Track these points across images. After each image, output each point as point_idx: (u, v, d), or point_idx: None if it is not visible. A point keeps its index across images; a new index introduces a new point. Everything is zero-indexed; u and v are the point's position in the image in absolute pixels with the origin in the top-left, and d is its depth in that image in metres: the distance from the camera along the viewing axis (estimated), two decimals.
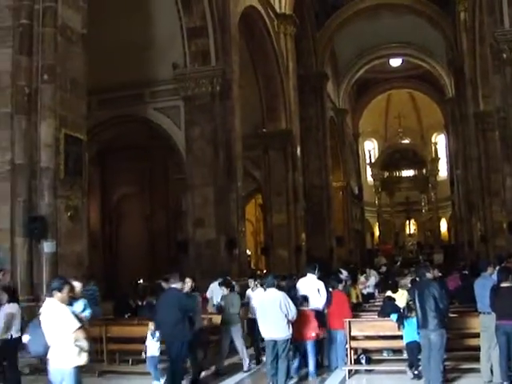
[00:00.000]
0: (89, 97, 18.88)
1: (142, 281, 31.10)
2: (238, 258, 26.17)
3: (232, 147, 26.72)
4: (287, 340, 11.23)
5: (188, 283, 11.61)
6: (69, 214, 16.24)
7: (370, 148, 70.84)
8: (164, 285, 15.76)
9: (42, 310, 7.47)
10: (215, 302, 16.42)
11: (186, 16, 26.75)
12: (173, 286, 11.24)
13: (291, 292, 12.53)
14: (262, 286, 13.91)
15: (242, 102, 28.55)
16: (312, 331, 12.04)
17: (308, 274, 13.96)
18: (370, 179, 68.76)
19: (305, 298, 12.49)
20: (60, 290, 7.47)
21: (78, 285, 10.71)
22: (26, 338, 7.26)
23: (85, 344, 7.34)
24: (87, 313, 10.37)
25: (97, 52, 20.79)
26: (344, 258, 46.17)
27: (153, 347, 11.45)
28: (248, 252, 36.19)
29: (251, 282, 14.33)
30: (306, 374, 12.29)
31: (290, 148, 36.71)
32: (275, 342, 11.25)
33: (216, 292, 16.78)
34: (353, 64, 55.67)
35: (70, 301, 8.16)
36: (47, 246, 15.64)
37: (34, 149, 15.82)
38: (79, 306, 10.05)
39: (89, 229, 18.32)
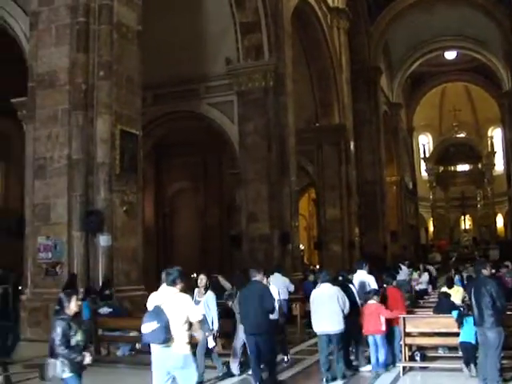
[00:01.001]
0: (144, 93, 19.15)
1: (195, 275, 31.34)
2: (291, 253, 26.13)
3: (285, 142, 26.70)
4: (341, 333, 11.24)
5: (203, 280, 11.20)
6: (124, 208, 16.47)
7: (425, 142, 70.01)
8: (221, 279, 15.92)
9: (160, 298, 7.65)
10: None
11: (239, 11, 26.80)
12: (255, 278, 11.24)
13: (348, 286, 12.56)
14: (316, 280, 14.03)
15: (295, 96, 28.48)
16: (383, 324, 11.94)
17: (358, 271, 14.11)
18: (424, 174, 67.98)
19: (375, 292, 12.39)
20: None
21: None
22: (152, 326, 7.36)
23: (199, 333, 7.83)
24: None
25: (151, 48, 21.05)
26: (398, 254, 45.76)
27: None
28: (301, 247, 36.15)
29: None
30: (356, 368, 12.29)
31: (343, 142, 36.52)
32: (329, 336, 11.27)
33: (270, 286, 16.76)
34: (407, 57, 55.08)
35: None
36: (103, 240, 15.91)
37: (90, 144, 16.11)
38: None
39: (143, 223, 18.51)
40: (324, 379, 11.09)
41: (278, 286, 15.96)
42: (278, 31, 27.21)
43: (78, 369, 7.29)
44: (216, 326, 10.47)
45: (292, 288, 17.58)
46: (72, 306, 7.41)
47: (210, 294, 10.83)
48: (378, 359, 11.73)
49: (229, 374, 11.45)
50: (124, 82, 16.97)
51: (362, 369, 11.98)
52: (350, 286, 12.48)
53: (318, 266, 35.97)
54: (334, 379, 11.17)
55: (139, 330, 12.11)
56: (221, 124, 28.03)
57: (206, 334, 10.40)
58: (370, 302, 12.02)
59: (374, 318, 11.78)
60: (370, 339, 11.84)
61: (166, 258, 38.09)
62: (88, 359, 7.35)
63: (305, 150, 34.20)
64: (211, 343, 10.43)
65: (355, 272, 14.22)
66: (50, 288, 15.51)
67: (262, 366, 10.81)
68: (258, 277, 11.21)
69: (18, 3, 18.61)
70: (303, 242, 42.08)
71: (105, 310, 14.11)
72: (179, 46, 26.76)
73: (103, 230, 15.88)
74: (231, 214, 34.92)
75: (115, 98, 16.51)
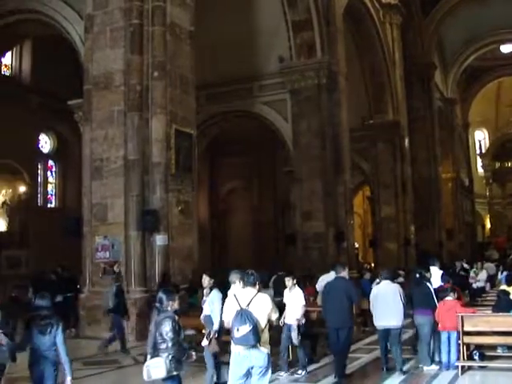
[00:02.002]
0: (197, 92, 19.26)
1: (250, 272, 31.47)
2: (346, 251, 26.01)
3: (339, 140, 26.57)
4: (401, 328, 11.72)
5: (205, 280, 11.07)
6: (180, 207, 16.62)
7: (481, 138, 68.88)
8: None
9: (241, 298, 7.74)
10: None
11: (291, 9, 26.76)
12: (340, 275, 11.63)
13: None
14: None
15: (348, 93, 28.31)
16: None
17: (430, 267, 14.36)
18: (480, 170, 66.87)
19: (452, 290, 12.26)
20: (259, 280, 7.81)
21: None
22: (244, 330, 7.45)
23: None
24: None
25: (204, 48, 21.18)
26: (454, 252, 45.12)
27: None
28: (356, 245, 35.92)
29: (289, 281, 13.01)
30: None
31: (397, 139, 36.14)
32: (388, 331, 11.66)
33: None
34: (461, 52, 54.15)
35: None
36: (159, 239, 16.08)
37: (145, 144, 16.31)
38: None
39: (198, 222, 18.65)
40: (384, 368, 11.67)
41: None
42: (330, 28, 27.10)
43: (180, 368, 7.29)
44: (216, 326, 10.17)
45: None
46: (174, 304, 7.43)
47: (215, 293, 10.65)
48: (448, 357, 11.64)
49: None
50: (178, 82, 17.13)
51: (426, 368, 11.82)
52: (428, 284, 12.37)
53: (373, 264, 35.70)
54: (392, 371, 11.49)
55: (195, 329, 12.36)
56: (274, 122, 28.04)
57: (205, 332, 10.43)
58: (448, 298, 11.88)
59: (451, 315, 11.64)
60: (444, 336, 11.73)
61: (221, 256, 38.32)
62: (194, 357, 7.42)
63: (359, 147, 33.95)
64: (204, 342, 10.31)
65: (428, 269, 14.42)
66: (107, 287, 15.73)
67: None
68: (342, 273, 11.66)
69: (74, 7, 18.91)
70: (358, 240, 41.78)
71: None
72: (232, 45, 26.84)
73: (159, 229, 16.06)
74: (285, 212, 34.91)
75: (169, 98, 16.68)
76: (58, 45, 23.31)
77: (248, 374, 7.50)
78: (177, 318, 7.35)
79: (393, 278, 12.45)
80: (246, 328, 7.31)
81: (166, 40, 16.89)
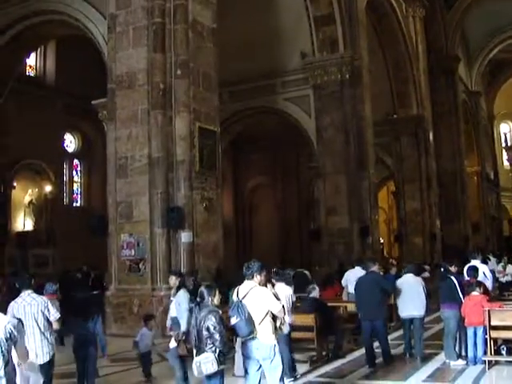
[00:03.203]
0: (220, 90, 19.31)
1: (275, 269, 31.49)
2: (371, 246, 25.94)
3: (363, 134, 26.48)
4: (423, 317, 12.44)
5: (172, 280, 10.66)
6: (204, 205, 16.69)
7: (506, 131, 68.15)
8: (306, 272, 15.92)
9: (240, 291, 7.79)
10: (350, 290, 16.35)
11: (313, 4, 26.71)
12: (371, 269, 12.31)
13: (459, 278, 12.56)
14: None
15: (371, 88, 28.19)
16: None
17: (472, 260, 14.84)
18: (506, 163, 66.20)
19: (479, 284, 12.22)
20: (261, 273, 7.81)
21: None
22: (234, 320, 7.50)
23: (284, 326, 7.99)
24: None
25: (226, 45, 21.18)
26: (480, 246, 44.77)
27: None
28: (381, 240, 35.79)
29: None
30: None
31: (421, 133, 35.92)
32: (411, 320, 12.34)
33: (351, 280, 16.64)
34: (485, 44, 53.65)
35: None
36: (184, 236, 16.16)
37: (169, 142, 16.39)
38: None
39: (222, 219, 18.70)
40: (407, 354, 12.49)
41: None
42: (353, 23, 26.99)
43: (225, 361, 7.28)
44: (184, 327, 9.78)
45: None
46: (215, 299, 7.43)
47: (182, 294, 10.28)
48: (475, 352, 11.59)
49: None
50: (201, 79, 17.18)
51: (453, 363, 11.77)
52: (452, 277, 12.35)
53: (398, 260, 35.55)
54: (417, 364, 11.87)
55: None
56: (297, 118, 28.01)
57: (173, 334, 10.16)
58: (474, 293, 11.81)
59: (478, 310, 11.58)
60: (471, 331, 11.68)
61: (246, 252, 38.37)
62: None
63: (383, 142, 33.83)
64: (172, 344, 10.13)
65: (469, 262, 14.75)
66: (133, 284, 15.87)
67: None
68: (373, 268, 12.37)
69: (96, 7, 19.00)
70: (383, 235, 41.65)
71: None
72: (254, 41, 26.86)
73: (184, 226, 16.14)
74: (310, 207, 34.89)
75: (193, 95, 16.74)
76: (82, 45, 23.47)
77: (260, 366, 7.58)
78: (220, 312, 7.34)
79: (416, 272, 12.97)
80: (237, 319, 7.41)
81: (189, 38, 16.95)
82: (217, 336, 7.05)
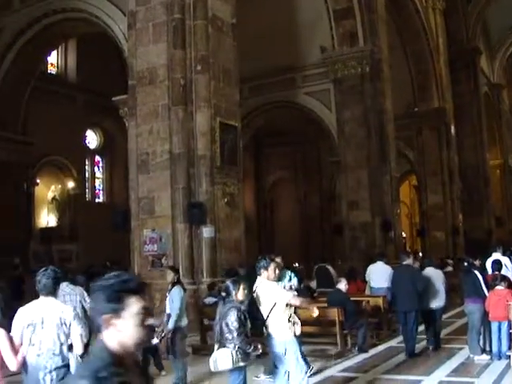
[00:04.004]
0: (240, 84, 19.30)
1: (297, 264, 31.48)
2: (393, 241, 25.85)
3: (384, 128, 26.37)
4: (442, 308, 12.92)
5: (170, 275, 10.51)
6: (226, 200, 16.71)
7: None
8: (329, 267, 15.88)
9: (255, 288, 7.88)
10: (373, 285, 16.33)
11: None
12: (405, 262, 12.69)
13: (482, 272, 12.63)
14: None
15: (392, 81, 28.05)
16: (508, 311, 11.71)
17: (493, 253, 14.94)
18: None
19: (503, 278, 12.13)
20: (267, 268, 7.83)
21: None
22: None
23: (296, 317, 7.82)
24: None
25: (246, 40, 21.18)
26: (504, 239, 44.38)
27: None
28: (403, 234, 35.64)
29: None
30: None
31: (443, 127, 35.70)
32: (432, 311, 12.60)
33: (373, 275, 16.58)
34: (507, 36, 53.14)
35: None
36: (206, 232, 16.19)
37: (190, 138, 16.42)
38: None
39: (244, 214, 18.72)
40: (430, 348, 12.74)
41: (381, 275, 15.91)
42: (372, 16, 26.83)
43: (247, 359, 7.18)
44: (171, 325, 9.76)
45: None
46: (240, 294, 7.39)
47: (176, 290, 10.10)
48: (499, 346, 11.51)
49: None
50: (221, 74, 17.20)
51: (477, 357, 11.71)
52: (476, 272, 12.33)
53: (421, 254, 35.37)
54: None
55: None
56: (318, 113, 27.97)
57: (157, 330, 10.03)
58: (498, 287, 11.71)
59: (502, 304, 11.49)
60: (495, 326, 11.60)
61: (268, 247, 38.33)
62: (260, 350, 7.34)
63: (404, 135, 33.66)
64: (154, 340, 9.88)
65: (490, 256, 14.85)
66: (156, 279, 15.90)
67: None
68: (407, 261, 12.75)
69: (116, 4, 19.08)
70: (405, 229, 41.46)
71: (209, 299, 14.22)
72: (274, 36, 26.83)
73: (206, 221, 16.17)
74: (331, 202, 34.84)
75: (213, 91, 16.75)
76: (102, 42, 23.59)
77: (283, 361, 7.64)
78: (242, 308, 7.32)
79: (437, 265, 13.77)
80: None
81: (208, 33, 16.96)
82: (235, 333, 7.02)
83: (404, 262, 12.82)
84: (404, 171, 37.18)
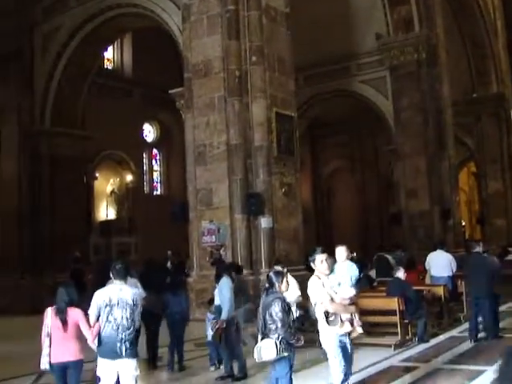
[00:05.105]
0: (296, 74, 19.25)
1: (355, 254, 31.32)
2: (452, 229, 25.46)
3: (442, 115, 25.96)
4: (490, 296, 12.51)
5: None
6: (283, 190, 16.71)
7: None
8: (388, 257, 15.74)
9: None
10: (433, 273, 16.13)
11: None
12: (475, 250, 12.96)
13: None
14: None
15: (449, 67, 27.56)
16: None
17: None
18: None
19: None
20: (313, 261, 7.71)
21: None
22: None
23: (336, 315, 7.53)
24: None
25: (300, 29, 21.07)
26: None
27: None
28: (462, 222, 35.08)
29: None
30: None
31: (503, 112, 34.89)
32: (479, 299, 12.41)
33: (433, 263, 16.37)
34: None
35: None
36: (264, 222, 16.21)
37: (247, 129, 16.46)
38: None
39: (302, 204, 18.67)
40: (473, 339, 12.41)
41: (442, 263, 15.71)
42: (428, 1, 26.37)
43: (291, 349, 7.11)
44: (225, 315, 9.81)
45: (455, 265, 17.05)
46: (283, 286, 7.35)
47: (224, 281, 10.16)
48: None
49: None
50: (276, 64, 17.17)
51: None
52: None
53: (481, 242, 34.75)
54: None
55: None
56: (374, 101, 27.70)
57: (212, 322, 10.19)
58: None
59: None
60: None
61: (326, 237, 38.27)
62: (302, 342, 7.27)
63: (462, 122, 33.04)
64: (209, 332, 10.02)
65: None
66: (214, 270, 15.99)
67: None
68: (477, 248, 12.98)
69: None
70: (464, 217, 40.79)
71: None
72: (328, 24, 26.61)
73: (264, 212, 16.19)
74: (389, 190, 34.51)
75: (269, 81, 16.75)
76: (157, 36, 23.83)
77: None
78: (286, 298, 7.29)
79: (498, 254, 14.07)
80: None
81: (263, 24, 16.94)
82: (279, 323, 6.96)
83: (474, 250, 13.00)
84: (463, 158, 36.55)
